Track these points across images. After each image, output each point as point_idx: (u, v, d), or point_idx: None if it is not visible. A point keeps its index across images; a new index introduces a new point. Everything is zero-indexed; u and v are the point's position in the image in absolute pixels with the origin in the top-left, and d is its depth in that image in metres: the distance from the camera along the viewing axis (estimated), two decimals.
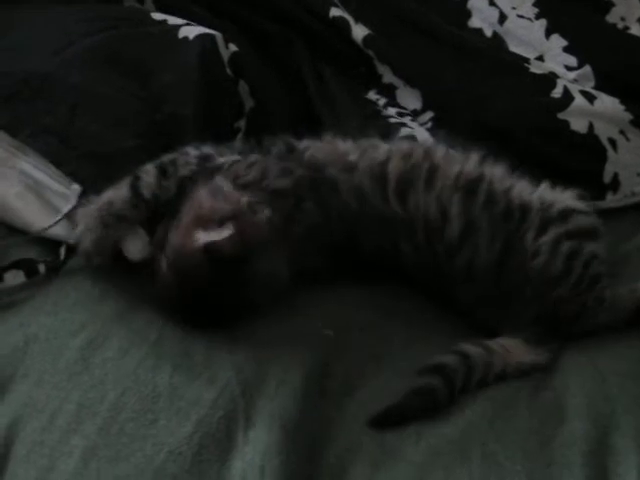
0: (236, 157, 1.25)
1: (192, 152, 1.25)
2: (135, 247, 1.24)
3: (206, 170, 1.23)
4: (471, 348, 1.16)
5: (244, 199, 1.18)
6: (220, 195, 1.19)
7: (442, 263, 1.23)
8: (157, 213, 1.23)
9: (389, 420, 1.08)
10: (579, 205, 1.27)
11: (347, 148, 1.28)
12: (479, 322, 1.23)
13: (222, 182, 1.20)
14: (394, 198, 1.23)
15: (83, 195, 1.26)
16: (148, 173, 1.23)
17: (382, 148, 1.28)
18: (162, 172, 1.23)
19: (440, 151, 1.29)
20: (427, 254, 1.23)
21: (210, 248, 1.13)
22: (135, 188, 1.22)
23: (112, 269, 1.25)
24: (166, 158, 1.24)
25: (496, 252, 1.22)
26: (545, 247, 1.22)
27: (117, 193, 1.22)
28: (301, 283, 1.21)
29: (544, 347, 1.19)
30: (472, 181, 1.25)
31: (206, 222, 1.16)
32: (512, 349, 1.18)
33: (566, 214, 1.25)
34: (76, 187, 1.28)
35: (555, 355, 1.19)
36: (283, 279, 1.20)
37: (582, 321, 1.23)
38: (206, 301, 1.15)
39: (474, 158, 1.28)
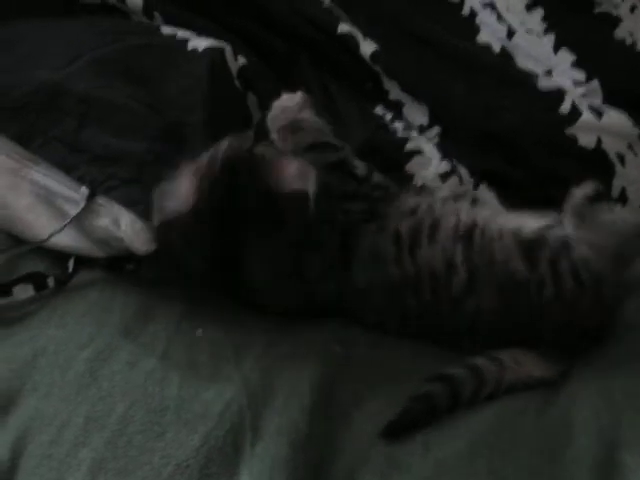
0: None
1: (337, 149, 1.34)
2: (139, 239, 1.24)
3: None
4: (483, 362, 1.16)
5: None
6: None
7: (446, 315, 1.21)
8: None
9: (395, 430, 1.08)
10: (539, 222, 1.23)
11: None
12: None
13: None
14: (407, 257, 1.22)
15: (91, 197, 1.27)
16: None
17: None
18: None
19: (439, 203, 1.28)
20: (431, 307, 1.21)
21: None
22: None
23: (119, 281, 1.26)
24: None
25: (498, 294, 1.20)
26: (547, 275, 1.18)
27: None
28: None
29: (555, 361, 1.18)
30: (468, 229, 1.23)
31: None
32: (523, 362, 1.18)
33: (539, 237, 1.21)
34: (84, 190, 1.28)
35: (564, 370, 1.18)
36: None
37: (605, 322, 1.21)
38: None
39: (465, 204, 1.27)
